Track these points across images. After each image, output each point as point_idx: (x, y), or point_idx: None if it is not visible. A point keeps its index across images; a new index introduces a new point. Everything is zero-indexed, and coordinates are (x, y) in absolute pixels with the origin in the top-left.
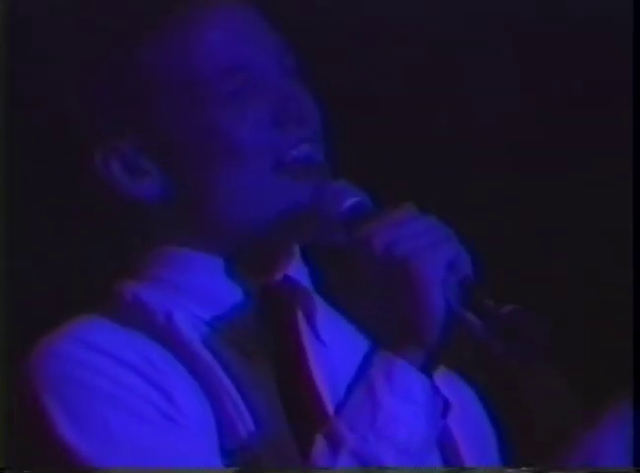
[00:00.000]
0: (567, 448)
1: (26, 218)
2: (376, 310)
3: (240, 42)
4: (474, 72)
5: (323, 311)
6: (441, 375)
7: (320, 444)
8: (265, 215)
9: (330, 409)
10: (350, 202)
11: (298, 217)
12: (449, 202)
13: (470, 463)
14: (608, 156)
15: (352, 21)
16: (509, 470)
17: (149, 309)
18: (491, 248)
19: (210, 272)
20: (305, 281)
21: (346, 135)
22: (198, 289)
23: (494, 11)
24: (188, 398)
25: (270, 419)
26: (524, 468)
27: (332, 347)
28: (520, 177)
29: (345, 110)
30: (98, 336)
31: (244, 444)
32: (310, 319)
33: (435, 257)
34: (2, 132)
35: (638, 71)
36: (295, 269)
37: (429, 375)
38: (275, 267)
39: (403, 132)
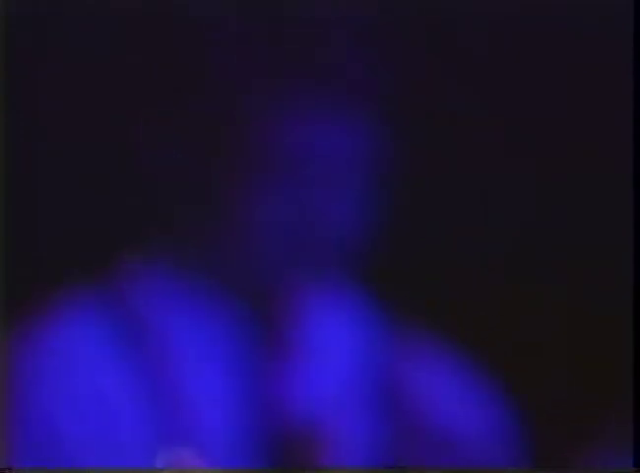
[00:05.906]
0: (568, 449)
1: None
2: None
3: None
4: (472, 72)
5: None
6: None
7: None
8: None
9: None
10: None
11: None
12: None
13: None
14: (608, 156)
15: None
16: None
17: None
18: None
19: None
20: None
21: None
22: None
23: (493, 10)
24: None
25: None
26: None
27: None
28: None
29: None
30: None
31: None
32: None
33: None
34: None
35: (638, 71)
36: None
37: None
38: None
39: None
